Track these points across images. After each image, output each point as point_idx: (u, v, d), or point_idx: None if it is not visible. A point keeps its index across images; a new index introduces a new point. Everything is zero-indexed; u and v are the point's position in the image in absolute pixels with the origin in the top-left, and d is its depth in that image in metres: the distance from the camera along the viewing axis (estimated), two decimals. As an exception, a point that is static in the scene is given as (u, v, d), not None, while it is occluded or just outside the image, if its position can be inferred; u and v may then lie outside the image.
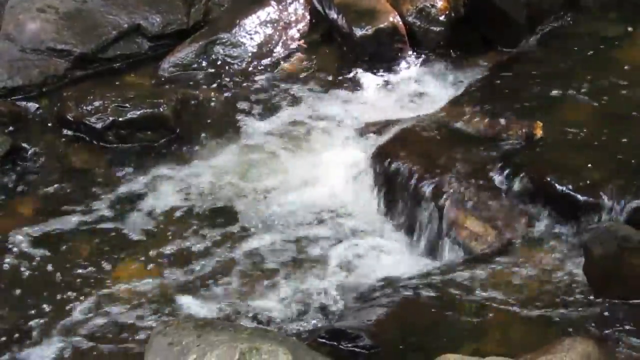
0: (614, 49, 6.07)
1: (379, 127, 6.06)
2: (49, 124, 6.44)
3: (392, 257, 5.29)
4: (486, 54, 6.72)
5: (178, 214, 5.73)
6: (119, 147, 6.25)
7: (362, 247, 5.38)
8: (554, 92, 5.77)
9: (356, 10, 6.85)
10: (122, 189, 5.92)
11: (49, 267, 5.37)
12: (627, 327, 4.42)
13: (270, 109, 6.50)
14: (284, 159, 6.08)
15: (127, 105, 6.31)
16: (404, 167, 5.45)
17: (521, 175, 5.17)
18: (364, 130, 6.14)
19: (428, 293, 4.83)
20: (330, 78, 6.75)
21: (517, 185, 5.17)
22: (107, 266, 5.37)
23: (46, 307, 5.13)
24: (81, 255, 5.45)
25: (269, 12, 7.01)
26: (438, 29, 6.82)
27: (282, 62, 6.89)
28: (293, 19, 7.09)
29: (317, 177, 5.89)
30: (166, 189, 5.92)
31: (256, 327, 4.71)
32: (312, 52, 6.98)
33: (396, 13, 6.79)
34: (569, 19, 6.58)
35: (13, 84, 6.64)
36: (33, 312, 5.10)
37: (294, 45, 7.00)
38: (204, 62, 6.83)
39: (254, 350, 3.79)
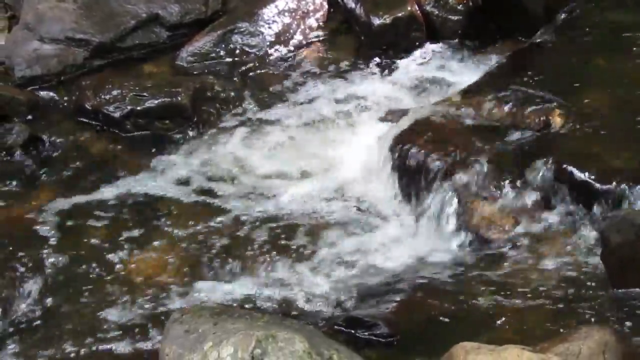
0: (632, 37, 6.03)
1: (397, 115, 6.06)
2: (67, 113, 6.47)
3: (409, 244, 5.29)
4: (503, 43, 6.71)
5: (196, 201, 5.73)
6: (137, 135, 6.28)
7: (379, 234, 5.38)
8: (572, 81, 5.74)
9: (374, -1, 6.85)
10: (140, 177, 5.92)
11: (66, 254, 5.38)
12: (644, 316, 4.41)
13: (287, 98, 6.51)
14: (302, 148, 6.09)
15: (145, 94, 6.33)
16: (422, 154, 5.45)
17: (539, 163, 5.15)
18: (382, 118, 6.15)
19: (445, 281, 4.84)
20: (347, 67, 6.75)
21: (534, 173, 5.15)
22: (124, 252, 5.38)
23: (63, 292, 5.15)
24: (98, 242, 5.46)
25: (287, 1, 7.02)
26: (456, 17, 6.81)
27: (300, 51, 6.89)
28: (311, 8, 7.08)
29: (334, 164, 5.89)
30: (184, 176, 5.92)
31: (272, 314, 4.71)
32: (329, 41, 6.98)
33: (414, 2, 6.78)
34: (586, 7, 6.54)
35: (32, 73, 6.67)
36: (50, 296, 5.13)
37: (311, 35, 7.00)
38: (222, 51, 6.84)
39: (270, 338, 3.79)
